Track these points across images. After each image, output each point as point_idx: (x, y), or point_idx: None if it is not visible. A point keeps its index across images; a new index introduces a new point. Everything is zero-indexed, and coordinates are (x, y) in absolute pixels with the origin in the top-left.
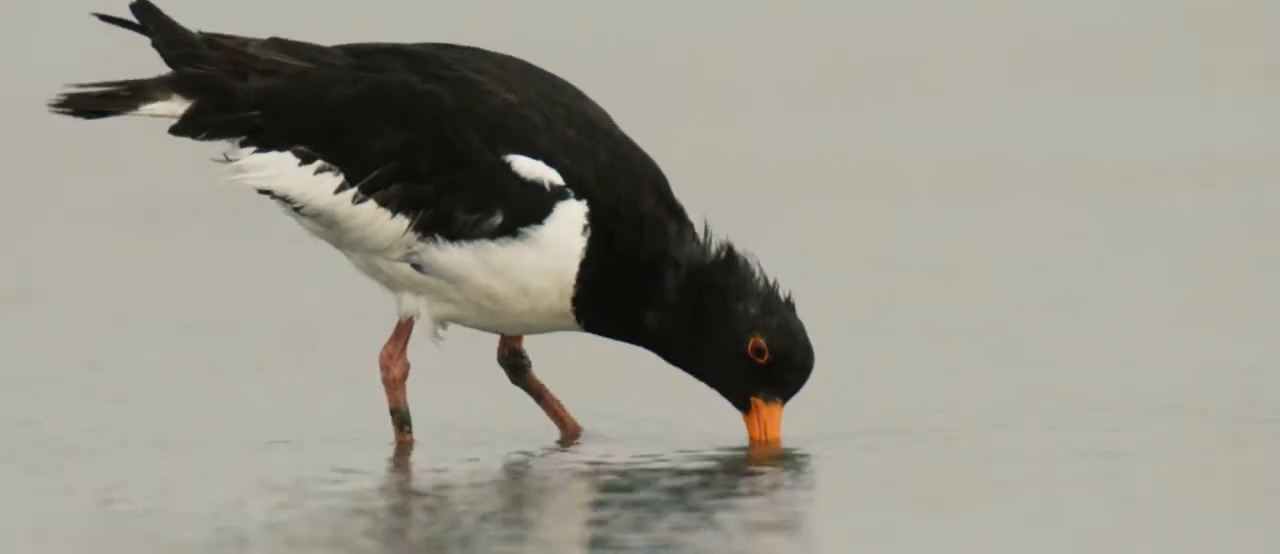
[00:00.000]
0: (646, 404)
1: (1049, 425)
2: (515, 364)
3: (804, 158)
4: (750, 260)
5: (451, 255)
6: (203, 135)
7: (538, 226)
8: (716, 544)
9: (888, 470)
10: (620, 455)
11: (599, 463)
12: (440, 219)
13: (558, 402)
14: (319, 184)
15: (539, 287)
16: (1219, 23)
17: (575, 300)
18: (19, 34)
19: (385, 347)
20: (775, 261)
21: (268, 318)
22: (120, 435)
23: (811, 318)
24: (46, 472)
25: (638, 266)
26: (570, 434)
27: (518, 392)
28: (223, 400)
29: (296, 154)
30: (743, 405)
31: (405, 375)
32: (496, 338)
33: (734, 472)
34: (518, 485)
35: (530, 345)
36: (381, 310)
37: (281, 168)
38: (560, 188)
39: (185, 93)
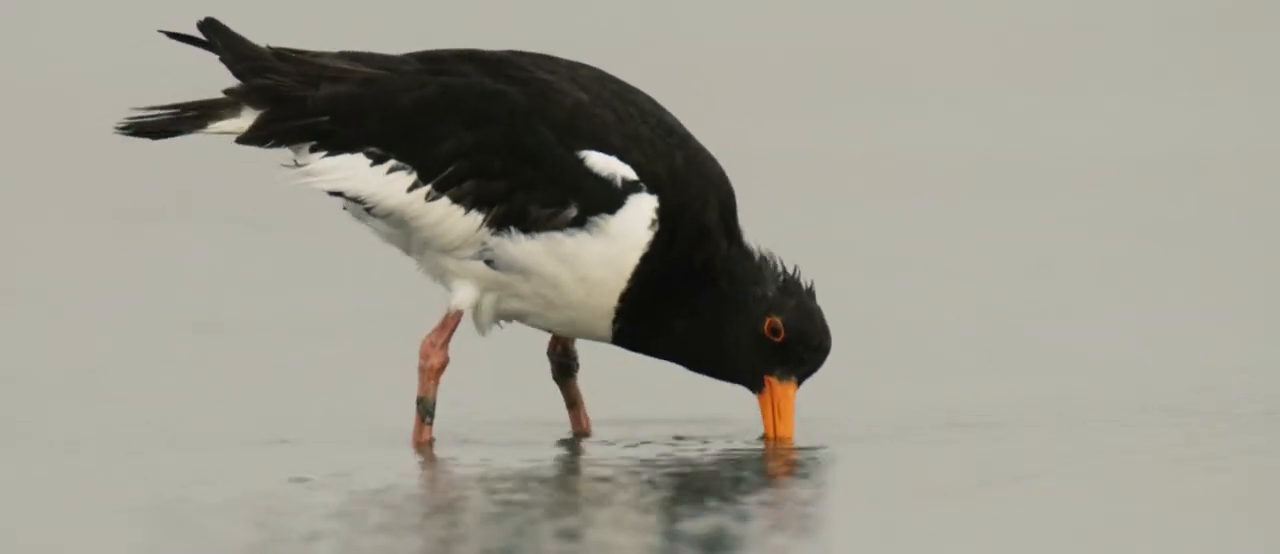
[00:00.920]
0: (656, 404)
1: (1053, 425)
2: (564, 364)
3: (804, 156)
4: (771, 255)
5: (523, 248)
6: (271, 143)
7: (609, 217)
8: (734, 541)
9: (893, 470)
10: (632, 453)
11: (620, 460)
12: (515, 215)
13: (585, 416)
14: (391, 183)
15: (599, 276)
16: (1221, 17)
17: (624, 296)
18: (18, 33)
19: (428, 335)
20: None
21: (268, 318)
22: (121, 436)
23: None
24: (48, 472)
25: (688, 271)
26: (582, 431)
27: (534, 388)
28: (223, 401)
29: (368, 155)
30: (757, 386)
31: (443, 367)
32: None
33: (745, 470)
34: (535, 483)
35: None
36: (382, 311)
37: (353, 169)
38: (633, 182)
39: (255, 104)
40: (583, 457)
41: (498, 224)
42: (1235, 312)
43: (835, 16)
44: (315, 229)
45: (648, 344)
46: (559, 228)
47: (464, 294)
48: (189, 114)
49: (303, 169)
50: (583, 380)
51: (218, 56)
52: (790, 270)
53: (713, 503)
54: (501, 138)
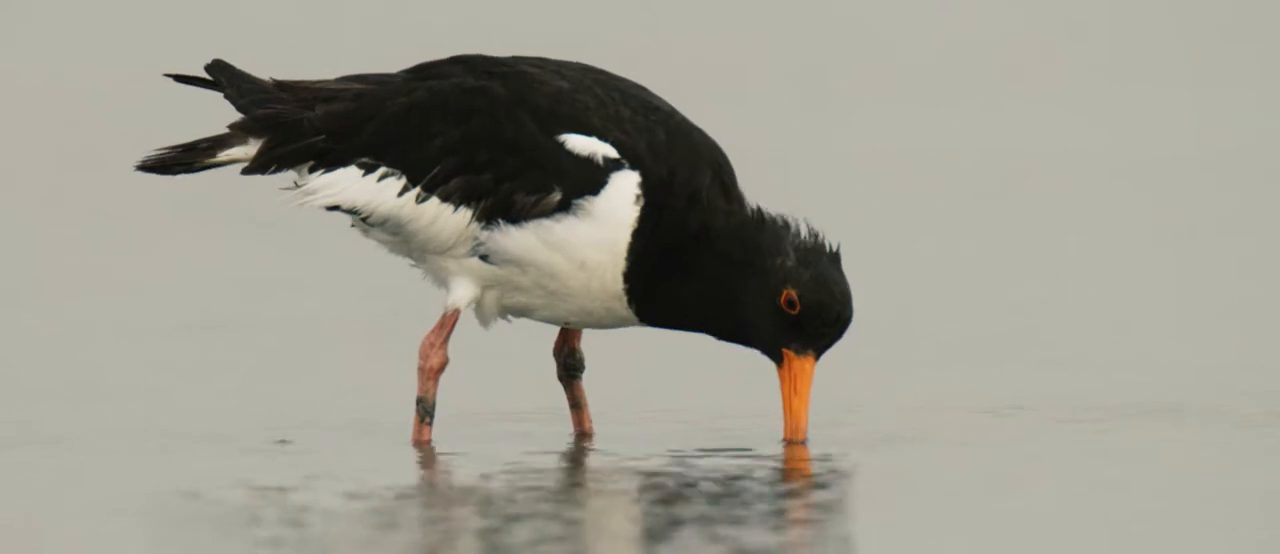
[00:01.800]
0: (660, 406)
1: (1057, 426)
2: (570, 364)
3: (805, 156)
4: (792, 219)
5: (514, 239)
6: (273, 169)
7: (593, 198)
8: (747, 543)
9: (900, 471)
10: (633, 454)
11: (627, 462)
12: (501, 205)
13: (588, 417)
14: (383, 190)
15: (595, 259)
16: (1217, 20)
17: (627, 276)
18: (17, 35)
19: (427, 336)
20: None
21: (268, 318)
22: (121, 436)
23: None
24: (48, 472)
25: (686, 239)
26: (584, 433)
27: (535, 388)
28: (223, 401)
29: (360, 166)
30: (776, 358)
31: (443, 367)
32: (553, 333)
33: (747, 476)
34: (535, 483)
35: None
36: (381, 311)
37: (347, 182)
38: (614, 160)
39: (257, 133)
40: (584, 457)
41: (487, 217)
42: (1243, 312)
43: (837, 13)
44: (315, 229)
45: (670, 318)
46: (546, 214)
47: (461, 292)
48: (201, 146)
49: (301, 189)
50: (590, 382)
51: (224, 95)
52: (814, 235)
53: (711, 502)
54: (484, 131)
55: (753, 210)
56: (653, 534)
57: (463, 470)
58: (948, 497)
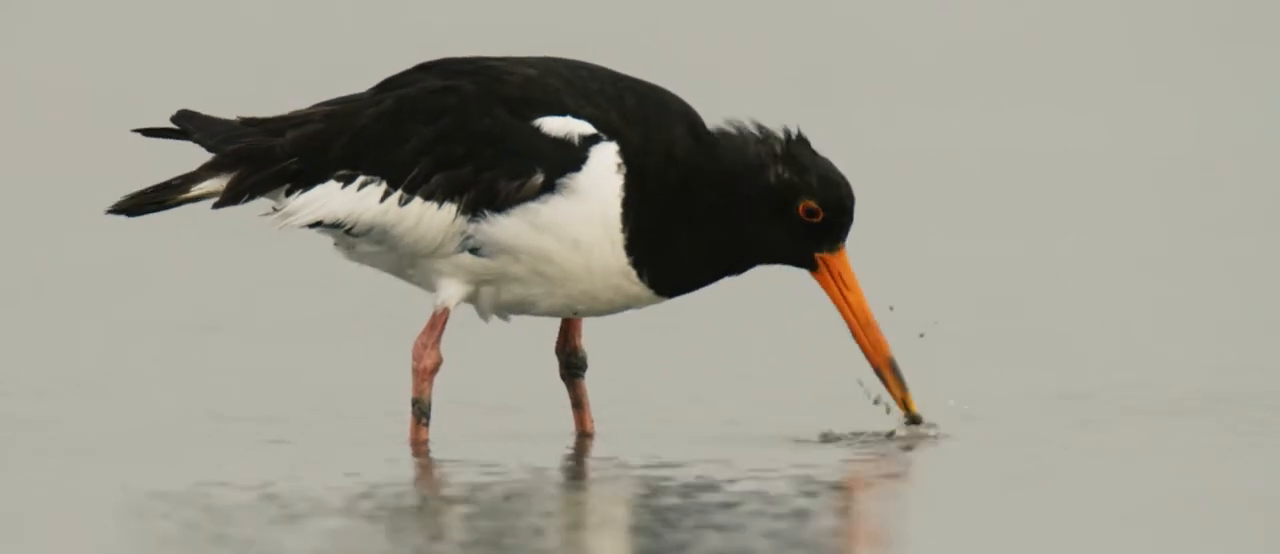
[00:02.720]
0: (664, 407)
1: (1059, 425)
2: (572, 363)
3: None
4: (754, 125)
5: (501, 227)
6: (246, 198)
7: (575, 175)
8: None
9: (907, 469)
10: (637, 456)
11: (621, 461)
12: (485, 195)
13: (589, 417)
14: (364, 199)
15: (588, 236)
16: (1217, 19)
17: (629, 247)
18: (15, 37)
19: (419, 336)
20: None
21: (267, 318)
22: (121, 435)
23: (813, 318)
24: (48, 472)
25: (674, 196)
26: (585, 432)
27: (536, 388)
28: (223, 401)
29: (338, 179)
30: (810, 265)
31: (437, 367)
32: (555, 332)
33: (749, 478)
34: (535, 482)
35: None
36: (380, 311)
37: (326, 196)
38: (591, 135)
39: (229, 168)
40: (584, 457)
41: (472, 210)
42: (1251, 310)
43: (841, 12)
44: (309, 231)
45: (686, 278)
46: (530, 198)
47: (449, 291)
48: (174, 184)
49: (281, 212)
50: (594, 382)
51: (193, 140)
52: (781, 133)
53: (707, 506)
54: (458, 126)
55: (716, 140)
56: (652, 535)
57: (461, 470)
58: (947, 498)
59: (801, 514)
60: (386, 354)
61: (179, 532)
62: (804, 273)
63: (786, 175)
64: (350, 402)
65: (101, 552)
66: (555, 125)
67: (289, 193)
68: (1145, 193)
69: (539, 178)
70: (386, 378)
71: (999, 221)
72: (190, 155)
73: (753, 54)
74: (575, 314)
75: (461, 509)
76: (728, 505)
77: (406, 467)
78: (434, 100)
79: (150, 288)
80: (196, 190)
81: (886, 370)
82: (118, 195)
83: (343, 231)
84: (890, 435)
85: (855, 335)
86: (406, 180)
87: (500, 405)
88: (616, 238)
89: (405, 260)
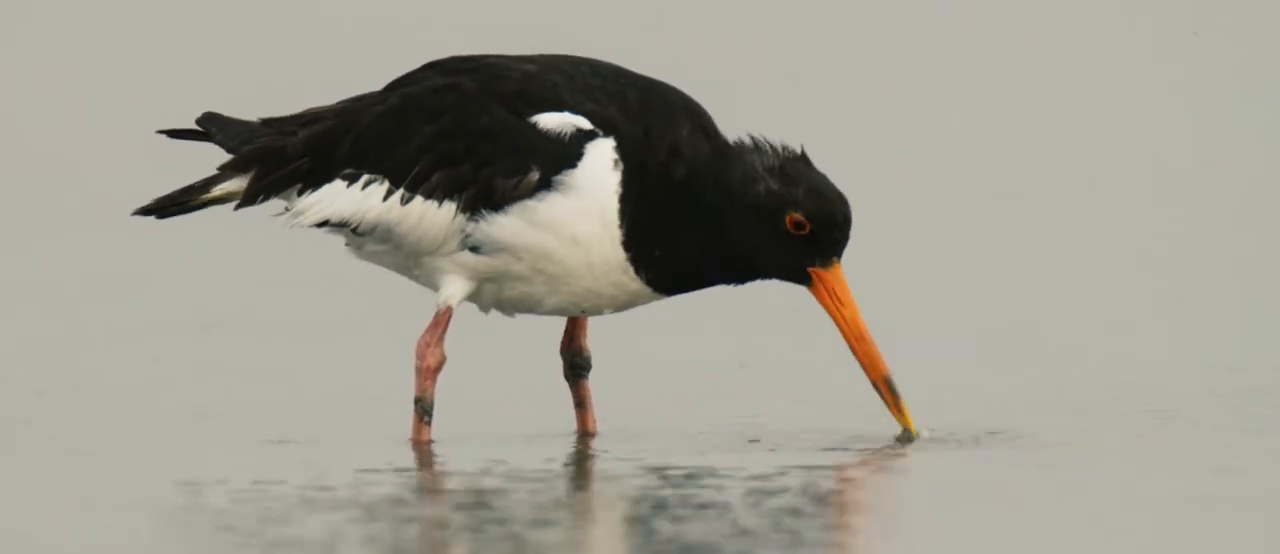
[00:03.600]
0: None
1: (1060, 424)
2: (576, 363)
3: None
4: (754, 140)
5: (500, 225)
6: (262, 199)
7: (572, 171)
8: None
9: (903, 473)
10: (638, 457)
11: (621, 463)
12: (483, 193)
13: (592, 417)
14: (368, 197)
15: (587, 232)
16: (1216, 19)
17: (627, 243)
18: (14, 39)
19: (422, 335)
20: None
21: (267, 318)
22: (121, 436)
23: (813, 319)
24: (48, 471)
25: (675, 193)
26: (588, 432)
27: (536, 387)
28: (223, 401)
29: (343, 178)
30: (804, 280)
31: (440, 366)
32: (559, 332)
33: (750, 479)
34: (535, 483)
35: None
36: (380, 310)
37: (333, 195)
38: (587, 131)
39: (245, 168)
40: (586, 458)
41: (471, 208)
42: (1240, 310)
43: (838, 13)
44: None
45: (682, 279)
46: (528, 195)
47: (452, 289)
48: (195, 186)
49: (291, 211)
50: (598, 382)
51: (215, 142)
52: (780, 148)
53: (708, 507)
54: (457, 124)
55: (726, 146)
56: (652, 536)
57: (462, 470)
58: (947, 500)
59: (803, 516)
60: (388, 353)
61: (179, 531)
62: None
63: (775, 187)
64: (351, 401)
65: (101, 551)
66: (552, 121)
67: (300, 192)
68: (1144, 191)
69: (535, 175)
70: (388, 377)
71: (998, 222)
72: (211, 155)
73: (753, 54)
74: (582, 313)
75: (463, 508)
76: (728, 506)
77: (409, 465)
78: (435, 98)
79: (150, 288)
80: (217, 191)
81: (882, 387)
82: (125, 194)
83: (349, 230)
84: (908, 438)
85: (852, 351)
86: (408, 179)
87: (503, 405)
88: (615, 234)
89: (409, 259)
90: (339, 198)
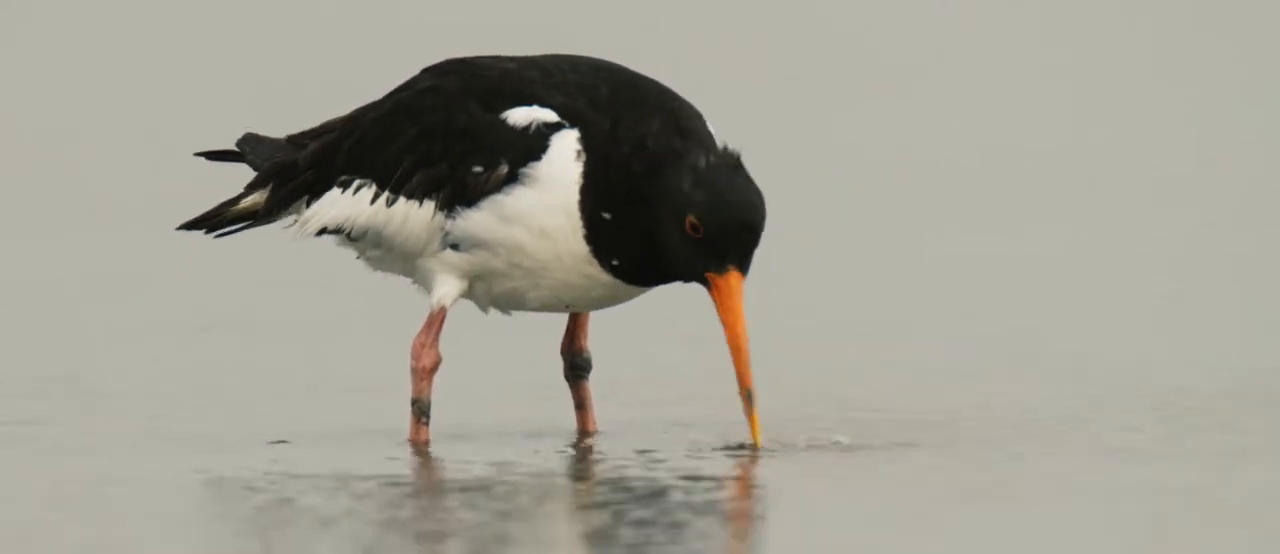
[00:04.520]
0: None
1: (1060, 424)
2: (577, 364)
3: (805, 155)
4: (706, 142)
5: (473, 221)
6: (279, 212)
7: (536, 163)
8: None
9: (898, 475)
10: (639, 457)
11: (622, 463)
12: (458, 190)
13: (592, 418)
14: (358, 202)
15: (552, 224)
16: (1216, 18)
17: (588, 236)
18: (13, 40)
19: (417, 336)
20: (778, 263)
21: (267, 318)
22: (121, 435)
23: (813, 319)
24: (48, 471)
25: (631, 185)
26: (587, 433)
27: (537, 386)
28: (223, 401)
29: (339, 185)
30: (704, 283)
31: (435, 367)
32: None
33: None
34: (536, 483)
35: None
36: (380, 310)
37: (330, 202)
38: (553, 123)
39: (264, 184)
40: (586, 459)
41: (448, 206)
42: (1252, 310)
43: (835, 14)
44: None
45: (646, 269)
46: (497, 189)
47: (444, 290)
48: (230, 200)
49: (297, 223)
50: (599, 381)
51: (247, 162)
52: (720, 152)
53: (709, 507)
54: (437, 124)
55: (693, 146)
56: (653, 536)
57: (462, 471)
58: (947, 501)
59: (804, 516)
60: (388, 353)
61: (178, 531)
62: (822, 281)
63: (685, 189)
64: (350, 401)
65: (101, 551)
66: (519, 116)
67: (307, 203)
68: (1144, 191)
69: (504, 168)
70: (388, 377)
71: (998, 222)
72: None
73: (753, 54)
74: (568, 308)
75: (462, 509)
76: (728, 506)
77: (407, 466)
78: (420, 100)
79: (150, 288)
80: (244, 205)
81: (744, 400)
82: (125, 193)
83: (346, 236)
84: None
85: (730, 357)
86: (392, 181)
87: (502, 405)
88: (577, 225)
89: (403, 261)
90: (335, 204)
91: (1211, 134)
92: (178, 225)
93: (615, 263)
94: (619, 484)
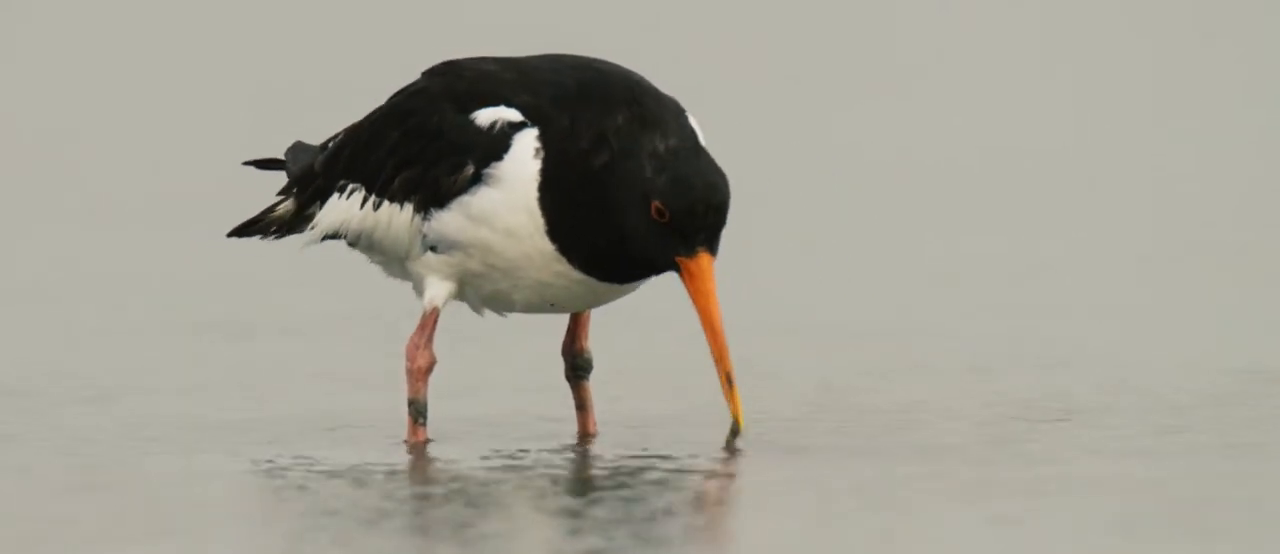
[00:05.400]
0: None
1: (1059, 424)
2: (577, 364)
3: (804, 155)
4: (666, 131)
5: (445, 222)
6: (300, 219)
7: (498, 163)
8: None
9: (897, 474)
10: (639, 457)
11: (621, 463)
12: (431, 192)
13: (593, 419)
14: (350, 206)
15: (516, 223)
16: (1215, 18)
17: (551, 234)
18: (12, 41)
19: (411, 337)
20: (776, 259)
21: (267, 318)
22: (121, 435)
23: (813, 320)
24: (47, 471)
25: (590, 180)
26: (588, 434)
27: (537, 386)
28: (222, 401)
29: (338, 191)
30: (675, 268)
31: (430, 367)
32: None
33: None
34: (536, 484)
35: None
36: (380, 311)
37: (331, 207)
38: (517, 123)
39: (289, 192)
40: (586, 459)
41: (424, 208)
42: (1251, 310)
43: (834, 15)
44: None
45: (614, 265)
46: (464, 190)
47: (434, 291)
48: (266, 208)
49: (308, 230)
50: (599, 381)
51: (285, 171)
52: (679, 138)
53: (710, 508)
54: (418, 126)
55: (662, 130)
56: (652, 535)
57: (460, 471)
58: (946, 500)
59: (798, 514)
60: (386, 353)
61: (177, 531)
62: (824, 278)
63: (647, 175)
64: (349, 401)
65: (100, 550)
66: (486, 116)
67: (319, 208)
68: (1144, 191)
69: (470, 170)
70: (387, 377)
71: (998, 222)
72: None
73: (753, 54)
74: (553, 308)
75: (460, 510)
76: (729, 507)
77: (405, 466)
78: (407, 103)
79: (150, 288)
80: (279, 212)
81: (723, 382)
82: (124, 194)
83: (347, 244)
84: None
85: (706, 339)
86: (377, 184)
87: (502, 405)
88: (539, 223)
89: (397, 265)
90: (335, 209)
91: (1211, 134)
92: (229, 232)
93: (583, 259)
94: (619, 483)
